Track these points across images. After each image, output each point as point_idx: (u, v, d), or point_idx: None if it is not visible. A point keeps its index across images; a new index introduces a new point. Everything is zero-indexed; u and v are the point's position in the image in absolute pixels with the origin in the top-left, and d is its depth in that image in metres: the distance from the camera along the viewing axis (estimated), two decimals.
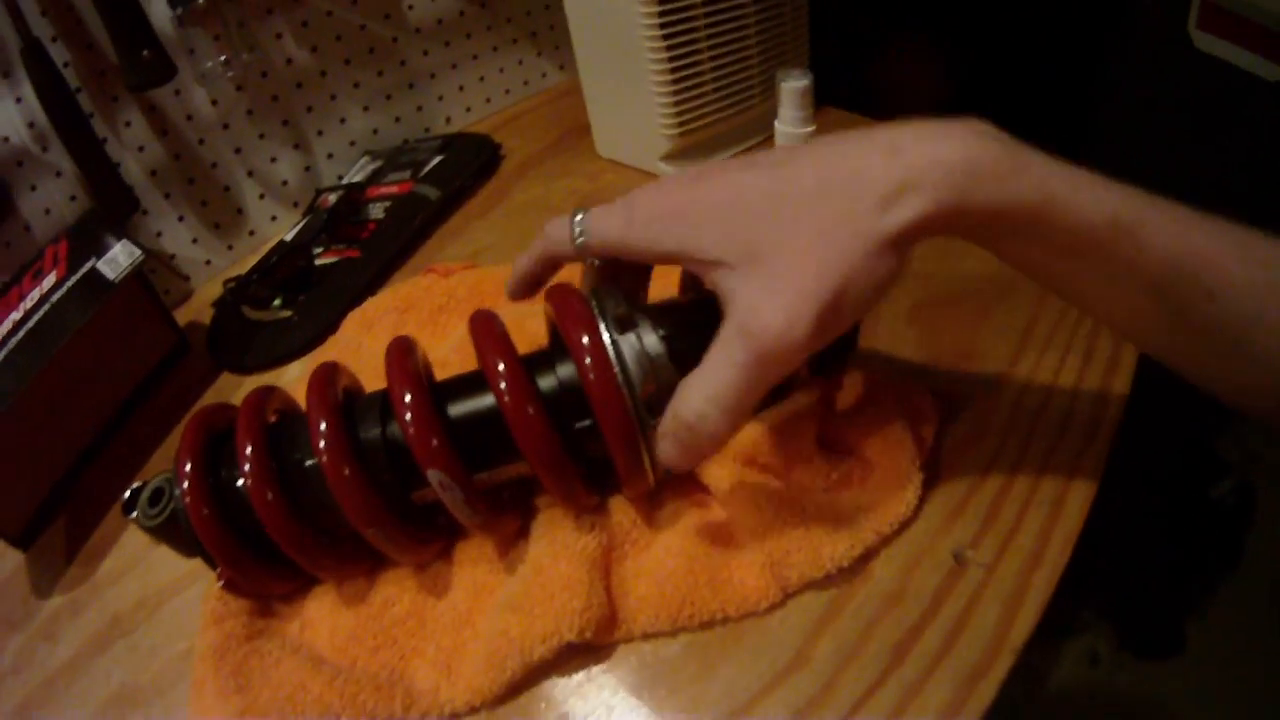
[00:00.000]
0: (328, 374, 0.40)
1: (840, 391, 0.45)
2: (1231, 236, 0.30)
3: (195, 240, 0.72)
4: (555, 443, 0.36)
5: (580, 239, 0.37)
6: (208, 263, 0.72)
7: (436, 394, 0.39)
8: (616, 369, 0.35)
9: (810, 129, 0.57)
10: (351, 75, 0.78)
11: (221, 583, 0.42)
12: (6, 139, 0.65)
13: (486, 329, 0.38)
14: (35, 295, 0.59)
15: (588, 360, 0.35)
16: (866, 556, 0.39)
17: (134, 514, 0.48)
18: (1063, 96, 0.75)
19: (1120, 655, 1.03)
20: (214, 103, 0.72)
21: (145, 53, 0.64)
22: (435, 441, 0.36)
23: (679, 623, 0.38)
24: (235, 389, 0.62)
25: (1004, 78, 0.79)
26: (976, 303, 0.52)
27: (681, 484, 0.43)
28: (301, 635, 0.41)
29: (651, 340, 0.36)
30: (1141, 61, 0.68)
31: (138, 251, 0.59)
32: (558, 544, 0.39)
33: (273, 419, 0.42)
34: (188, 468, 0.38)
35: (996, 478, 0.41)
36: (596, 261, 0.39)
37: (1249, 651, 0.99)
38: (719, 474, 0.42)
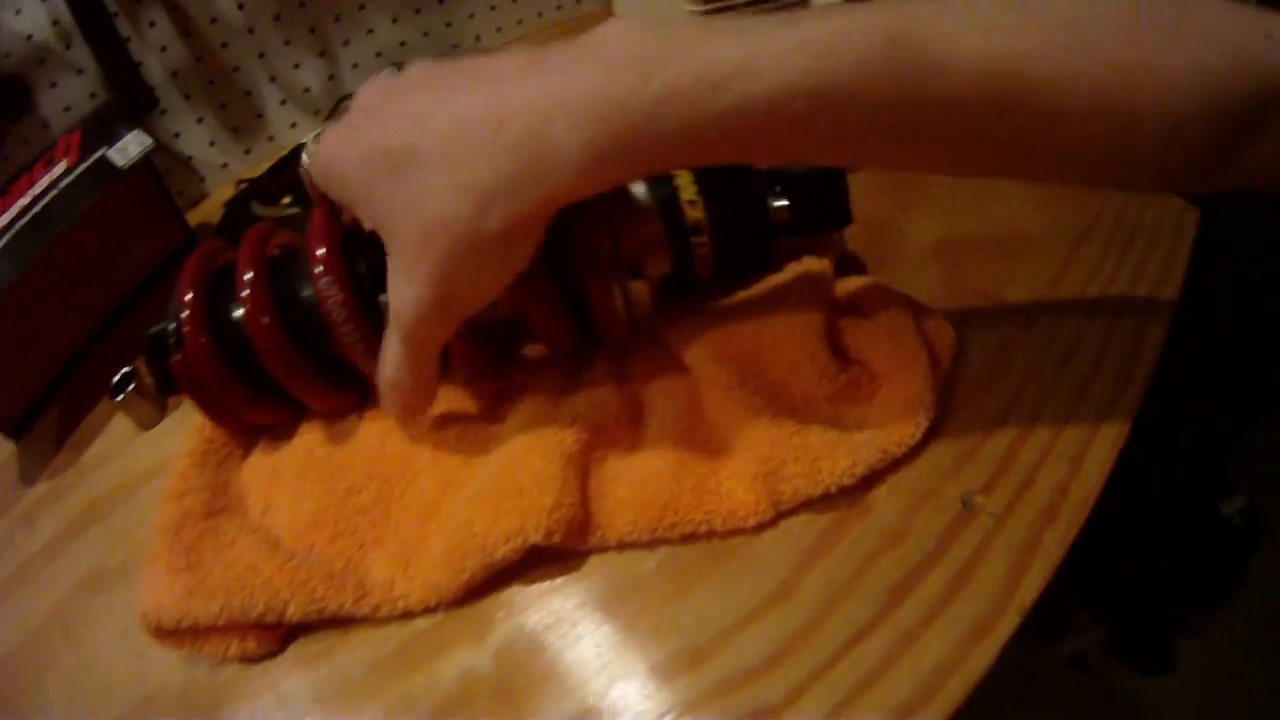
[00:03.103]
0: None
1: (848, 293, 0.42)
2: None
3: (213, 143, 0.71)
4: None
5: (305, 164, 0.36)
6: (224, 166, 0.71)
7: None
8: None
9: None
10: None
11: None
12: (29, 36, 0.65)
13: None
14: (45, 181, 0.58)
15: None
16: (867, 484, 0.36)
17: (124, 392, 0.48)
18: None
19: (1108, 662, 1.00)
20: (240, 6, 0.70)
21: None
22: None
23: (658, 533, 0.35)
24: None
25: None
26: (1005, 247, 0.48)
27: (672, 384, 0.40)
28: (262, 518, 0.39)
29: None
30: None
31: (149, 140, 0.58)
32: (532, 435, 0.36)
33: (275, 253, 0.42)
34: (188, 296, 0.38)
35: (1014, 425, 0.37)
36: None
37: (1237, 678, 0.96)
38: (712, 372, 0.38)
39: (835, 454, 0.35)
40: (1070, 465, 0.35)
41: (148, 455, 0.51)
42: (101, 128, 0.62)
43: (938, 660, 0.30)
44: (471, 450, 0.40)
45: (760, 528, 0.35)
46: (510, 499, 0.34)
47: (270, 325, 0.37)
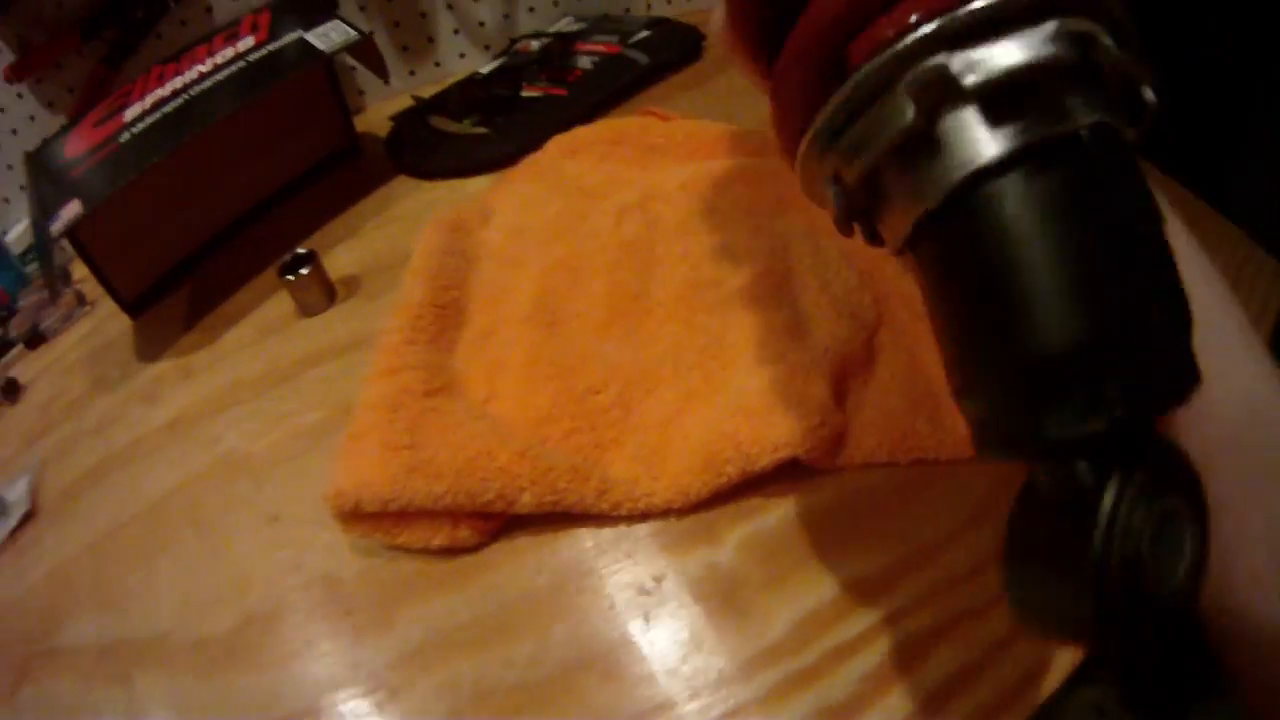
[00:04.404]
0: None
1: None
2: None
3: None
4: None
5: None
6: (386, 82, 0.71)
7: None
8: None
9: None
10: None
11: None
12: None
13: None
14: (229, 53, 0.57)
15: None
16: None
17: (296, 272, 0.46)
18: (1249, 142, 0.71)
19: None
20: None
21: None
22: None
23: (897, 455, 0.36)
24: (411, 191, 0.60)
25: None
26: None
27: (903, 325, 0.42)
28: (485, 405, 0.37)
29: None
30: None
31: (353, 32, 0.56)
32: (790, 362, 0.37)
33: None
34: None
35: None
36: None
37: None
38: None
39: None
40: None
41: (308, 342, 0.49)
42: (291, 11, 0.60)
43: None
44: (711, 369, 0.39)
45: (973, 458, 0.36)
46: (777, 414, 0.35)
47: None
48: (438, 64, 0.74)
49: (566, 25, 0.75)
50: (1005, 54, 0.16)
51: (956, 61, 0.16)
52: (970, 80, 0.16)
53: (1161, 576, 0.16)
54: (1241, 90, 0.70)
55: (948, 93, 0.16)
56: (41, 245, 0.51)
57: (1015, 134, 0.16)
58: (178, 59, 0.60)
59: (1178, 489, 0.17)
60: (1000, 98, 0.16)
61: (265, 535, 0.39)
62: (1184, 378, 0.17)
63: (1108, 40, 0.17)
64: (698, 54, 0.71)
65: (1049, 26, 0.16)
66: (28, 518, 0.44)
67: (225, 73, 0.55)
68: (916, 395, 0.38)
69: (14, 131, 0.69)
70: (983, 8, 0.16)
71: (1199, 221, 0.55)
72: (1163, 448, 0.17)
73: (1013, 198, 0.16)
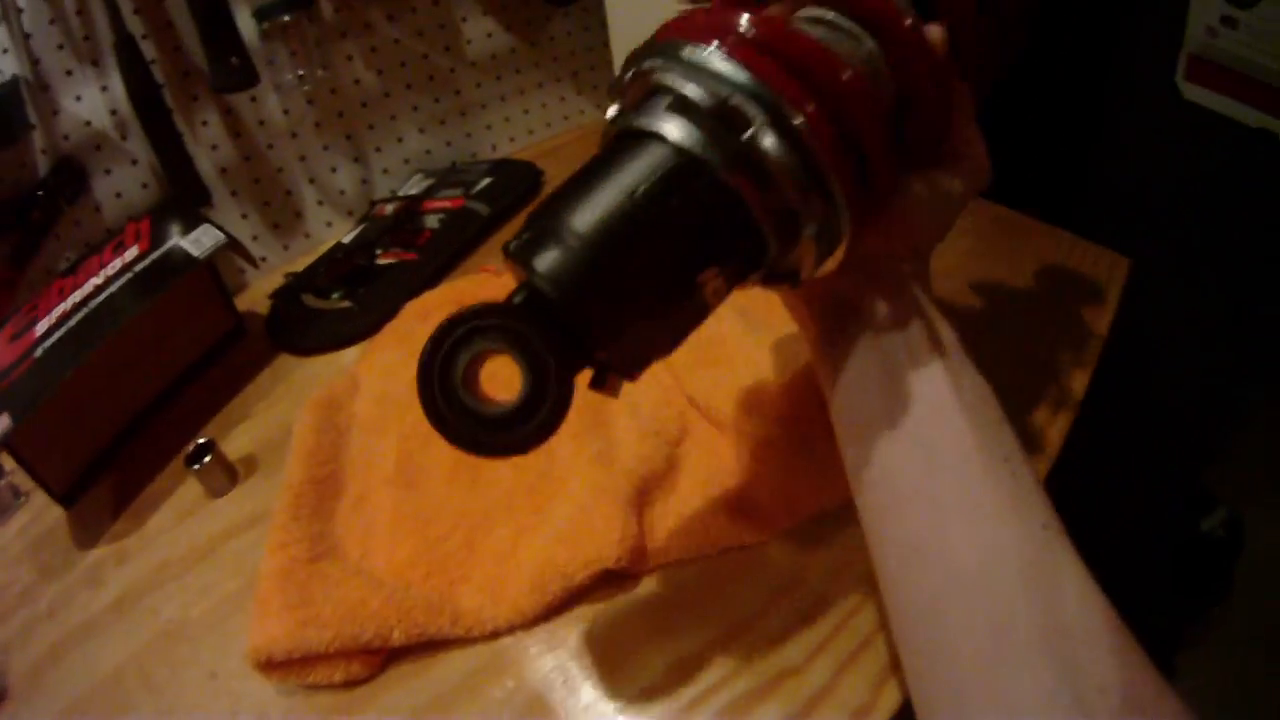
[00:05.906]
0: None
1: None
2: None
3: (255, 237, 0.83)
4: None
5: None
6: (263, 259, 0.83)
7: None
8: None
9: None
10: (411, 99, 0.90)
11: None
12: (89, 123, 0.76)
13: None
14: (117, 264, 0.68)
15: None
16: None
17: (200, 461, 0.58)
18: (1061, 150, 0.85)
19: None
20: (285, 112, 0.83)
21: (234, 59, 0.75)
22: None
23: (701, 549, 0.47)
24: (293, 369, 0.72)
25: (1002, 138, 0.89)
26: (973, 276, 0.64)
27: (700, 439, 0.54)
28: (361, 561, 0.50)
29: None
30: (1134, 113, 0.79)
31: (221, 235, 0.69)
32: (596, 489, 0.49)
33: None
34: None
35: None
36: None
37: (1238, 680, 1.09)
38: (748, 422, 0.51)
39: (840, 479, 0.41)
40: (1037, 438, 0.51)
41: (219, 521, 0.60)
42: (169, 218, 0.73)
43: None
44: (540, 505, 0.51)
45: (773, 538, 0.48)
46: (586, 536, 0.46)
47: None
48: (307, 235, 0.87)
49: (418, 182, 0.89)
50: None
51: None
52: None
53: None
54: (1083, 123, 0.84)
55: None
56: None
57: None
58: (74, 272, 0.72)
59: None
60: None
61: (207, 690, 0.49)
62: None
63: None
64: (536, 190, 0.86)
65: None
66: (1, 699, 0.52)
67: (117, 284, 0.66)
68: (716, 494, 0.50)
69: None
70: None
71: (1046, 242, 0.69)
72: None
73: None
